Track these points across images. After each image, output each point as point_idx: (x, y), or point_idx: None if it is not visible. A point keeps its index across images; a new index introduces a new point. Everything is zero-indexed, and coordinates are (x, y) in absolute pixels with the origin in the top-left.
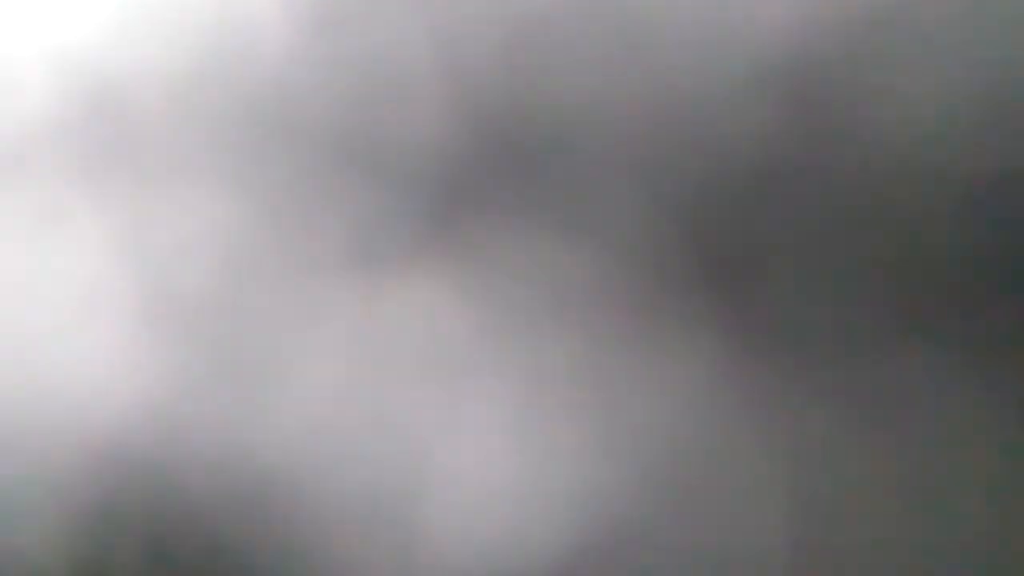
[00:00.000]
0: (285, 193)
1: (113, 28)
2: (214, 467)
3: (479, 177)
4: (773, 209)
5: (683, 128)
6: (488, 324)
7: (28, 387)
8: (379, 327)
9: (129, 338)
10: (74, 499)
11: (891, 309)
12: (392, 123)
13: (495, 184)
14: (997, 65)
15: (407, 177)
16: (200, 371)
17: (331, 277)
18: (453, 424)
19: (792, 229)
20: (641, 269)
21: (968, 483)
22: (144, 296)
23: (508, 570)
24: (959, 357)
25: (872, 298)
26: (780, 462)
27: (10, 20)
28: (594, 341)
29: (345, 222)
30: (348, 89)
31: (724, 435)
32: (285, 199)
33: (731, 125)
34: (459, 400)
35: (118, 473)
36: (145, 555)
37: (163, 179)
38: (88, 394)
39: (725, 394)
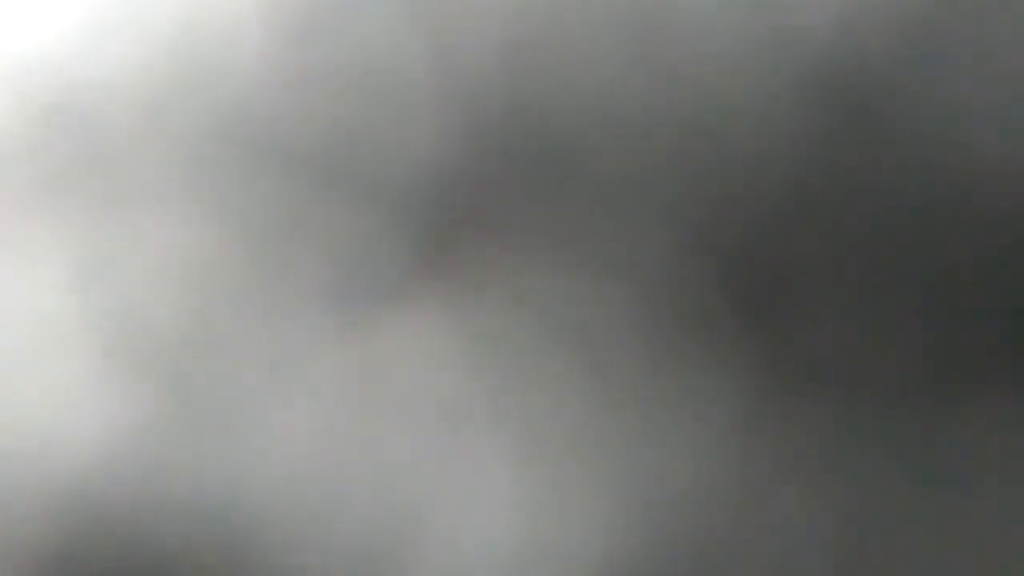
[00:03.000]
0: (263, 218)
1: (75, 35)
2: (185, 516)
3: (479, 199)
4: (809, 233)
5: (709, 142)
6: (490, 363)
7: None
8: (367, 366)
9: (92, 375)
10: (33, 546)
11: (941, 345)
12: (382, 139)
13: (497, 207)
14: None
15: (399, 199)
16: (170, 412)
17: (314, 310)
18: (451, 474)
19: (831, 255)
20: (662, 300)
21: (1019, 531)
22: (108, 330)
23: None
24: (1012, 399)
25: (920, 333)
26: (818, 515)
27: None
28: (610, 381)
29: (330, 250)
30: (333, 103)
31: (755, 484)
32: (263, 224)
33: (764, 137)
34: (458, 447)
35: (79, 521)
36: None
37: (129, 202)
38: (48, 434)
39: (756, 439)
